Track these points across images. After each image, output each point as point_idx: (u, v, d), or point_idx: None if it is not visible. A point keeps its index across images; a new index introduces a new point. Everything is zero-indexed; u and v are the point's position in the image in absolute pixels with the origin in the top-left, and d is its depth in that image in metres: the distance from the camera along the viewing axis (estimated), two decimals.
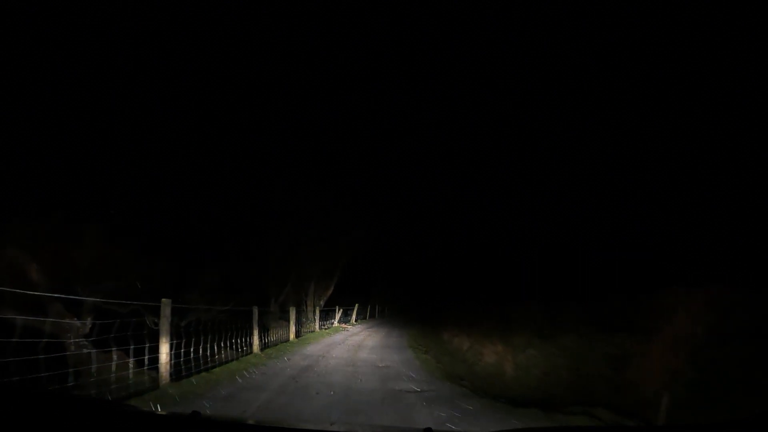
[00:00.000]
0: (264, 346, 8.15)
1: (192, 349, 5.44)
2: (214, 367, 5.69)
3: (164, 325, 4.36)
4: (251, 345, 7.56)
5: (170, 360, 4.50)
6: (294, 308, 10.61)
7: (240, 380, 5.12)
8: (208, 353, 5.73)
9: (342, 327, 16.27)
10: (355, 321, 19.14)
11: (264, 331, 9.64)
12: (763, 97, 6.44)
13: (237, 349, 7.18)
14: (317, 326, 13.93)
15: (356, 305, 19.45)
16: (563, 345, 8.04)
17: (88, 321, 6.53)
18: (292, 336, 10.43)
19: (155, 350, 4.96)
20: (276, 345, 9.10)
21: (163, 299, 4.43)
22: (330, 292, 17.45)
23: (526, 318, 11.24)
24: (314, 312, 14.39)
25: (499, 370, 8.23)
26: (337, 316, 16.91)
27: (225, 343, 6.69)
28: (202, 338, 6.02)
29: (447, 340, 13.70)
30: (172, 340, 5.46)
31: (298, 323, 13.50)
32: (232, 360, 6.48)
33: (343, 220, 16.78)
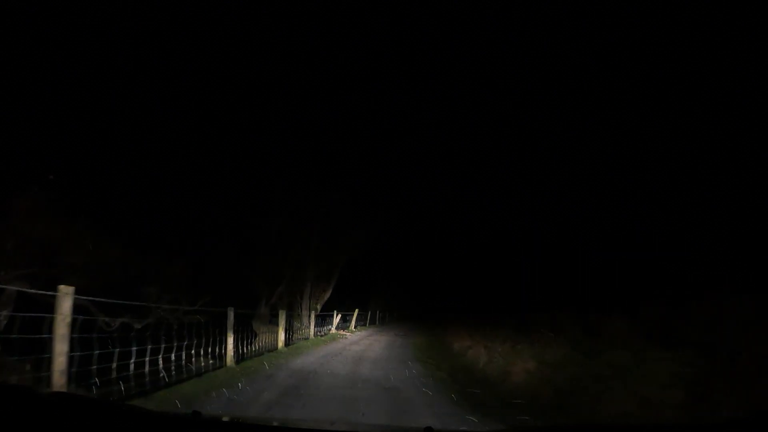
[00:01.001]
0: (241, 358, 6.54)
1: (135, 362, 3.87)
2: (159, 388, 4.09)
3: (59, 329, 2.79)
4: (224, 356, 5.96)
5: (67, 380, 2.91)
6: (284, 311, 9.01)
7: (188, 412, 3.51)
8: (147, 369, 4.12)
9: (340, 334, 14.63)
10: (355, 327, 17.49)
11: (251, 337, 8.05)
12: (763, 97, 6.28)
13: (205, 360, 5.60)
14: (312, 333, 12.30)
15: (356, 311, 17.82)
16: (616, 363, 6.42)
17: (3, 315, 4.97)
18: (280, 344, 8.82)
19: (86, 360, 3.41)
20: (260, 355, 7.48)
21: (61, 287, 2.85)
22: (327, 295, 15.81)
23: (552, 327, 9.61)
24: (309, 317, 12.77)
25: (534, 393, 6.58)
26: (335, 321, 15.28)
27: (186, 354, 5.10)
28: (150, 346, 4.44)
29: (458, 351, 12.04)
30: (115, 347, 3.93)
31: (290, 329, 11.88)
32: (191, 377, 4.87)
33: (342, 218, 15.26)
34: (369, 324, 20.60)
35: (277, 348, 8.74)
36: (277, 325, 11.93)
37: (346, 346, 10.84)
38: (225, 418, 1.99)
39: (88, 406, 1.34)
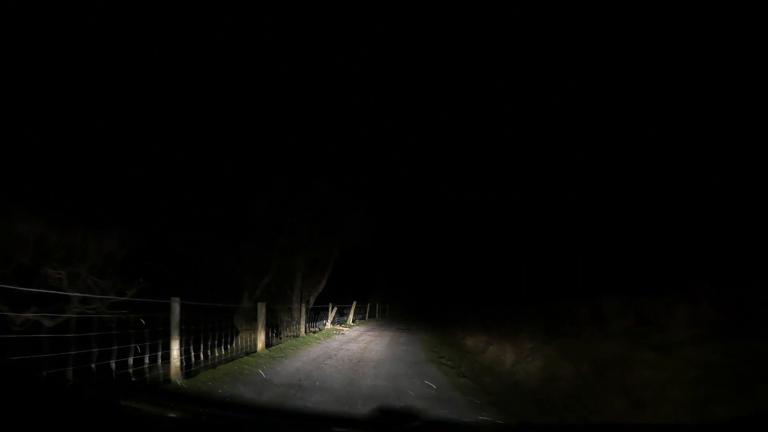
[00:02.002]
0: (197, 369, 4.76)
1: None
2: None
3: None
4: (168, 366, 4.20)
5: None
6: (264, 304, 7.24)
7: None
8: None
9: (336, 329, 12.92)
10: (353, 322, 15.79)
11: (212, 338, 6.30)
12: (763, 97, 6.19)
13: (148, 372, 3.85)
14: (303, 329, 10.56)
15: (354, 303, 16.10)
16: (708, 362, 4.73)
17: None
18: (260, 345, 7.06)
19: None
20: (230, 361, 5.72)
21: None
22: (322, 287, 14.02)
23: (593, 317, 7.95)
24: (300, 310, 11.02)
25: (603, 409, 4.89)
26: (331, 315, 13.56)
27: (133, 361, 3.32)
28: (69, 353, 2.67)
29: (473, 348, 10.36)
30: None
31: (278, 325, 10.16)
32: None
33: (337, 203, 13.48)
34: (368, 318, 18.90)
35: (256, 350, 6.99)
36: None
37: (342, 344, 9.12)
38: (224, 420, 1.87)
39: (88, 405, 1.30)
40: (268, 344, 7.47)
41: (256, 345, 7.12)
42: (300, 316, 10.75)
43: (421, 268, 30.16)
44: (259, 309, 7.11)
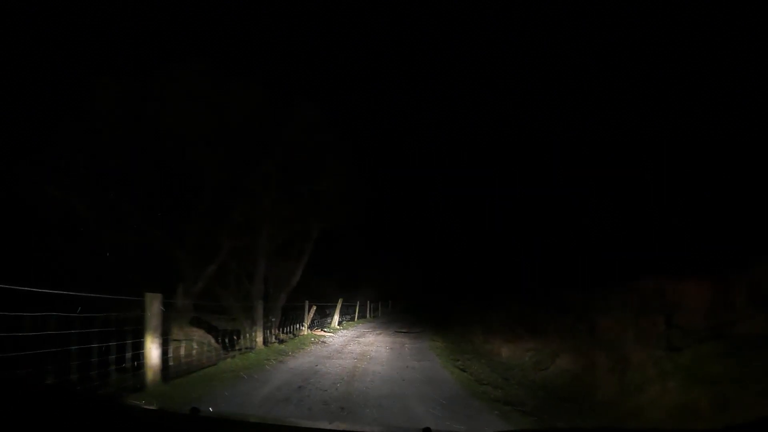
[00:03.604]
0: None
1: None
2: None
3: None
4: None
5: None
6: (156, 297, 3.73)
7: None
8: None
9: (315, 336, 9.49)
10: (338, 324, 12.30)
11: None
12: (763, 97, 6.26)
13: None
14: (261, 338, 7.06)
15: (340, 300, 12.64)
16: None
17: None
18: (150, 374, 3.58)
19: None
20: None
21: None
22: (296, 279, 10.36)
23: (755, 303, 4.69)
24: (258, 311, 7.50)
25: None
26: (308, 317, 10.11)
27: None
28: None
29: (516, 359, 7.06)
30: None
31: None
32: None
33: (315, 164, 9.91)
34: (358, 318, 15.42)
35: (144, 385, 3.51)
36: (207, 323, 6.95)
37: (319, 362, 5.70)
38: (223, 417, 1.86)
39: (86, 402, 1.29)
40: (170, 373, 3.96)
41: (145, 374, 3.62)
42: (258, 320, 7.25)
43: (419, 259, 27.96)
44: (147, 304, 3.62)
